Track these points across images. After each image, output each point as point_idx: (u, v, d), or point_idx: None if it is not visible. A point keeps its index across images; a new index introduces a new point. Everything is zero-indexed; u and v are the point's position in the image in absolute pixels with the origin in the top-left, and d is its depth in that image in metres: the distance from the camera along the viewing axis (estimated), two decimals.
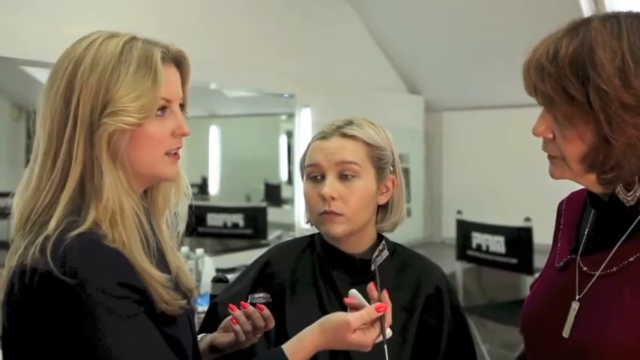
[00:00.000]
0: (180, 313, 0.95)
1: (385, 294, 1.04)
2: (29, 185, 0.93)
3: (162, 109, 0.96)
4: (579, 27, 0.91)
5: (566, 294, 0.99)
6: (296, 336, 1.00)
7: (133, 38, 0.96)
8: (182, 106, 1.01)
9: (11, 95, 2.32)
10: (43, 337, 0.85)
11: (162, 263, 0.98)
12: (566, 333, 0.97)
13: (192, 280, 1.06)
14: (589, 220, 1.04)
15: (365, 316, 1.00)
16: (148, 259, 0.92)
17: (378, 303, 1.01)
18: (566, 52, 0.89)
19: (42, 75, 2.18)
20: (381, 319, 1.01)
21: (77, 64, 0.92)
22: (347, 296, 1.07)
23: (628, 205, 0.93)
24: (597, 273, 0.96)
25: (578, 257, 1.01)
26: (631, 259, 0.93)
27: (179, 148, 1.00)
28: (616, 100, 0.86)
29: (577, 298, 0.98)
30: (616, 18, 0.90)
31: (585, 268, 0.99)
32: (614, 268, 0.94)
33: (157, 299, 0.90)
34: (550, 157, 0.97)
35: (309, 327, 1.01)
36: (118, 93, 0.91)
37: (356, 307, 1.03)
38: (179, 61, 1.00)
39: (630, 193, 0.93)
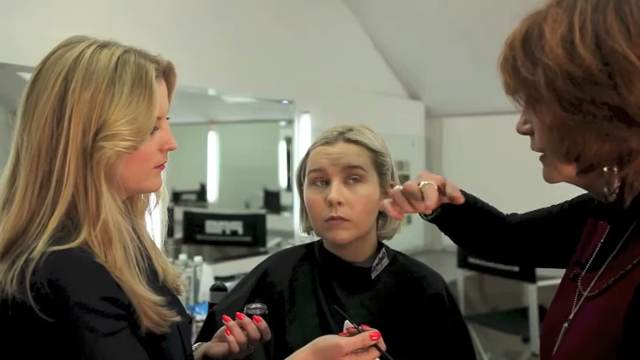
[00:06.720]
0: (169, 331, 0.92)
1: (364, 327, 1.03)
2: (11, 205, 0.88)
3: (154, 128, 0.94)
4: (541, 10, 0.82)
5: (564, 311, 0.91)
6: (289, 356, 0.99)
7: (126, 51, 0.92)
8: None
9: (8, 102, 2.31)
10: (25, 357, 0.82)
11: (150, 270, 0.96)
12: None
13: (178, 279, 1.05)
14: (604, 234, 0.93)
15: (358, 343, 0.98)
16: (138, 279, 0.89)
17: (372, 330, 1.00)
18: (520, 32, 0.82)
19: None
20: (378, 347, 0.99)
21: (67, 78, 0.88)
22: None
23: (609, 200, 0.83)
24: (585, 294, 0.87)
25: (583, 273, 0.92)
26: (610, 281, 0.82)
27: (165, 162, 0.98)
28: (561, 74, 0.75)
29: (569, 317, 0.89)
30: None
31: (580, 288, 0.89)
32: (596, 291, 0.84)
33: (145, 321, 0.87)
34: (540, 157, 0.88)
35: (303, 347, 0.99)
36: (113, 116, 0.87)
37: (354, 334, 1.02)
38: (166, 73, 0.98)
39: (612, 187, 0.81)
